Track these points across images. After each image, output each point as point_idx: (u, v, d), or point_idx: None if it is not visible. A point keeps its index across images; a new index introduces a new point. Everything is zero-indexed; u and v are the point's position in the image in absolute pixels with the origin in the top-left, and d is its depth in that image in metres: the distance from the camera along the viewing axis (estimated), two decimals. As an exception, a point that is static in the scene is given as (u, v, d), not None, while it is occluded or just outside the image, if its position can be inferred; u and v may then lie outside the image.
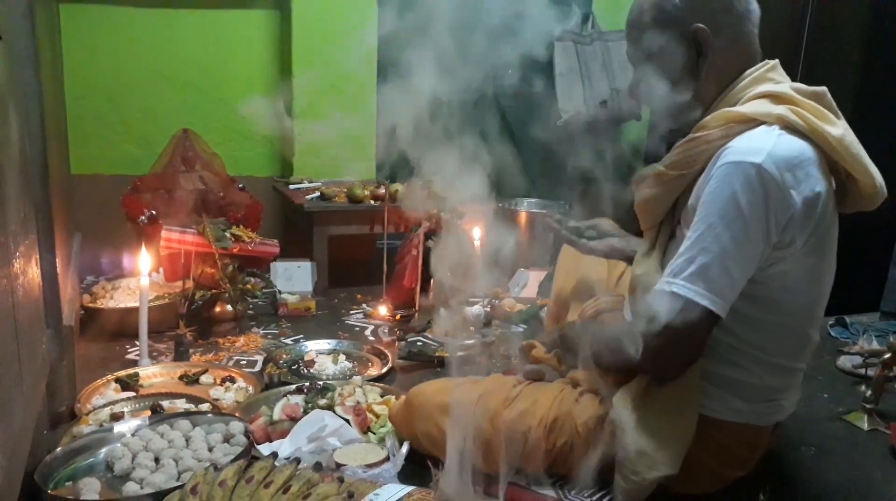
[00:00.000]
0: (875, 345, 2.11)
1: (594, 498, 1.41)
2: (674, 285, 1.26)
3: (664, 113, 1.42)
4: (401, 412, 1.58)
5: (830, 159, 1.29)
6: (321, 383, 1.85)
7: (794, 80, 1.37)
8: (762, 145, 1.22)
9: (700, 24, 1.32)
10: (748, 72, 1.35)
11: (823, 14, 2.71)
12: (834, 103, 1.32)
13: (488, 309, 2.63)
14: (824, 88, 1.32)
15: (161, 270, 2.53)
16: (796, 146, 1.24)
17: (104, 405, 1.73)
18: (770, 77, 1.34)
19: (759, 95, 1.31)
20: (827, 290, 1.38)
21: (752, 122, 1.27)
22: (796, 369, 1.41)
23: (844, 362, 2.31)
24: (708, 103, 1.37)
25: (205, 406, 1.76)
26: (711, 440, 1.37)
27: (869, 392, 1.90)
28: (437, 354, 2.19)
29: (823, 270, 1.35)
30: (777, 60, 1.38)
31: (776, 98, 1.29)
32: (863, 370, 2.16)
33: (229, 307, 2.49)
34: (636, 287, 1.43)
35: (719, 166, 1.24)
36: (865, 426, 1.86)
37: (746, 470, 1.45)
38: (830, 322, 2.75)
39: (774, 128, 1.25)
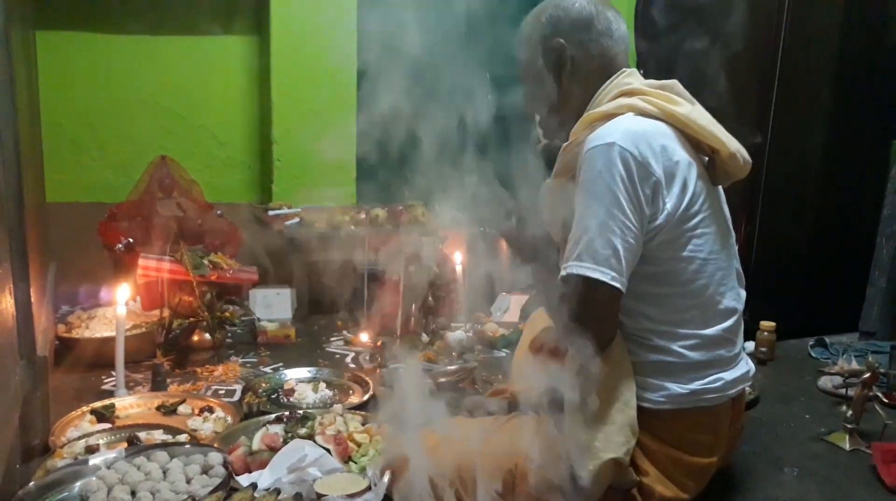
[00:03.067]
0: (854, 365, 2.11)
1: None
2: (567, 269, 1.35)
3: (544, 121, 1.59)
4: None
5: (691, 137, 1.43)
6: (301, 412, 1.82)
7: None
8: (616, 128, 1.36)
9: (560, 40, 1.49)
10: (609, 80, 1.49)
11: (796, 36, 2.76)
12: (686, 92, 1.48)
13: (471, 334, 2.62)
14: (674, 81, 1.48)
15: (138, 298, 2.49)
16: (647, 123, 1.39)
17: (79, 438, 1.69)
18: (626, 81, 1.48)
19: (616, 95, 1.46)
20: (729, 257, 1.47)
21: (611, 116, 1.41)
22: (716, 338, 1.43)
23: (825, 382, 2.33)
24: (579, 111, 1.49)
25: (182, 437, 1.72)
26: (670, 432, 1.41)
27: (850, 413, 1.91)
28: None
29: (713, 238, 1.42)
30: (634, 69, 1.52)
31: (629, 93, 1.45)
32: (843, 391, 2.17)
33: (207, 336, 2.46)
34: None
35: (583, 156, 1.36)
36: (847, 447, 1.87)
37: (718, 456, 1.48)
38: (811, 343, 2.77)
39: (628, 115, 1.40)
